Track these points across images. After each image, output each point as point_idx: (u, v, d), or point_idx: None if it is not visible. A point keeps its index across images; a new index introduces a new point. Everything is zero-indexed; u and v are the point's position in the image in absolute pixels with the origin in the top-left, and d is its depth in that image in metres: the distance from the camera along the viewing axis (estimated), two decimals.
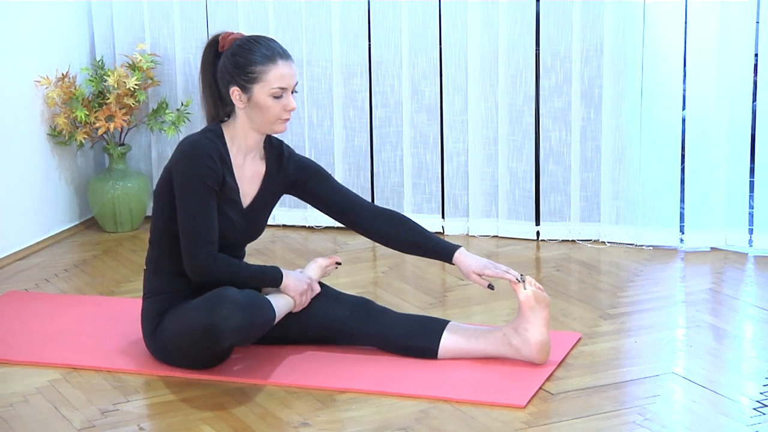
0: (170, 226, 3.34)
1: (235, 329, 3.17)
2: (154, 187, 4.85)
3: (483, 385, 3.26)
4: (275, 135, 3.42)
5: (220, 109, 3.38)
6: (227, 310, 3.16)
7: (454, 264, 3.42)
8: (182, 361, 3.35)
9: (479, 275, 3.38)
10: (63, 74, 4.66)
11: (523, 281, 3.35)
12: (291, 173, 3.46)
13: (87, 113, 4.64)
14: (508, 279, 3.36)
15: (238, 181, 3.37)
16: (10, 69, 4.48)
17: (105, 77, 4.68)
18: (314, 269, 3.51)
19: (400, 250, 3.52)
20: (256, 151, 3.40)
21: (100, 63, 4.79)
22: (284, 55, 3.30)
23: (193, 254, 3.26)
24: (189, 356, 3.33)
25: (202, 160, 3.26)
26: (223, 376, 3.35)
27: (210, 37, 3.39)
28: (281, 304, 3.36)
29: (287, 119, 3.32)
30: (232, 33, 3.35)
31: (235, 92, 3.30)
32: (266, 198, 3.44)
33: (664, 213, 4.48)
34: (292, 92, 3.31)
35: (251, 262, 3.54)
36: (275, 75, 3.27)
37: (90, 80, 4.71)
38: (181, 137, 4.85)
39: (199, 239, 3.26)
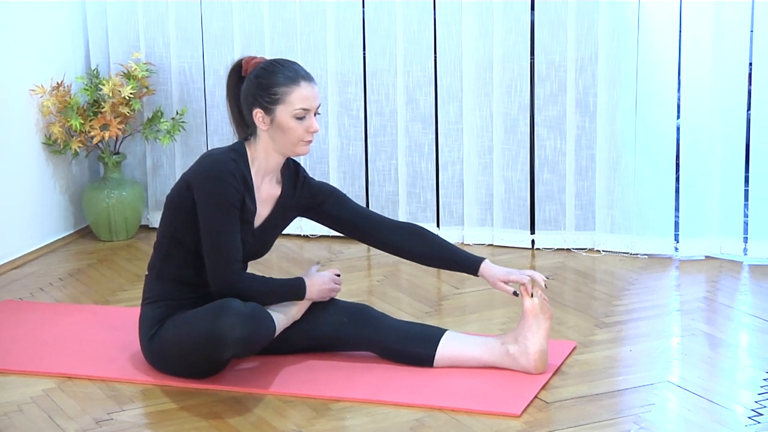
0: (181, 234, 3.35)
1: (238, 340, 3.18)
2: (149, 195, 4.91)
3: (478, 394, 3.26)
4: (296, 156, 3.42)
5: (243, 131, 3.41)
6: (231, 321, 3.17)
7: (479, 276, 3.43)
8: (179, 368, 3.35)
9: (505, 283, 3.40)
10: (58, 83, 4.66)
11: (545, 286, 3.38)
12: (305, 197, 3.48)
13: (82, 122, 4.64)
14: (536, 281, 3.36)
15: (257, 199, 3.38)
16: (5, 78, 4.48)
17: (100, 86, 4.68)
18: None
19: (422, 264, 3.54)
20: (273, 175, 3.42)
21: (95, 72, 4.79)
22: (307, 77, 3.33)
23: (222, 273, 3.28)
24: (187, 365, 3.33)
25: (227, 180, 3.28)
26: (218, 385, 3.35)
27: (233, 62, 3.42)
28: (281, 318, 3.37)
29: (310, 141, 3.34)
30: (255, 57, 3.38)
31: (258, 114, 3.31)
32: (277, 220, 3.46)
33: (659, 221, 4.49)
34: (315, 114, 3.33)
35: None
36: (298, 96, 3.29)
37: (85, 89, 4.71)
38: (176, 146, 4.86)
39: (227, 258, 3.28)
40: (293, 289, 3.40)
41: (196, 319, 3.25)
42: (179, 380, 3.36)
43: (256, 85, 3.31)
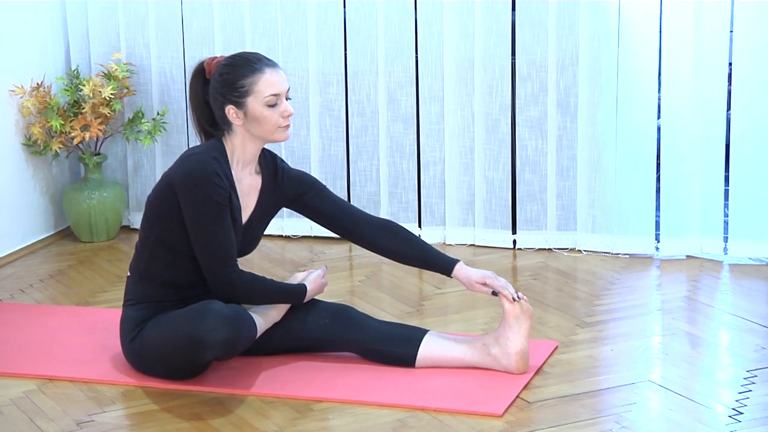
0: (167, 236, 3.33)
1: (219, 343, 3.18)
2: (130, 196, 4.90)
3: (460, 394, 3.26)
4: (276, 143, 3.42)
5: (209, 135, 3.41)
6: (212, 323, 3.17)
7: (452, 277, 3.43)
8: (160, 370, 3.35)
9: (482, 284, 3.40)
10: (38, 83, 4.64)
11: (519, 299, 3.37)
12: (287, 188, 3.48)
13: (62, 123, 4.62)
14: (505, 296, 3.37)
15: (240, 195, 3.38)
16: None
17: (80, 87, 4.67)
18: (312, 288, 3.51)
19: (398, 262, 3.55)
20: (252, 165, 3.42)
21: (75, 72, 4.78)
22: (270, 63, 3.33)
23: (221, 272, 3.29)
24: (168, 366, 3.32)
25: (213, 180, 3.27)
26: (200, 386, 3.34)
27: (195, 66, 3.41)
28: (261, 320, 3.38)
29: (287, 126, 3.34)
30: (216, 57, 3.38)
31: (230, 111, 3.31)
32: (262, 213, 3.46)
33: (640, 221, 4.50)
34: (286, 99, 3.33)
35: None
36: (265, 83, 3.28)
37: (65, 90, 4.70)
38: (157, 146, 4.85)
39: (224, 257, 3.29)
40: (294, 292, 3.42)
41: (178, 321, 3.24)
42: (160, 381, 3.35)
43: (222, 82, 3.31)
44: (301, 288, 3.44)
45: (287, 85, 3.33)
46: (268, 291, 3.38)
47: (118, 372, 3.43)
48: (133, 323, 3.37)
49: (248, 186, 3.41)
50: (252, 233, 3.45)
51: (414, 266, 3.57)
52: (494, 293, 3.41)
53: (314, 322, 3.44)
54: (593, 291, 4.15)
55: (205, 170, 3.27)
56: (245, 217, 3.41)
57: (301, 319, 3.45)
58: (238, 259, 3.44)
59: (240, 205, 3.37)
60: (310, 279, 3.48)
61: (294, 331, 3.45)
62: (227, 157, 3.35)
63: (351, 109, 4.72)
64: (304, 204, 3.50)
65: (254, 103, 3.29)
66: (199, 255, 3.30)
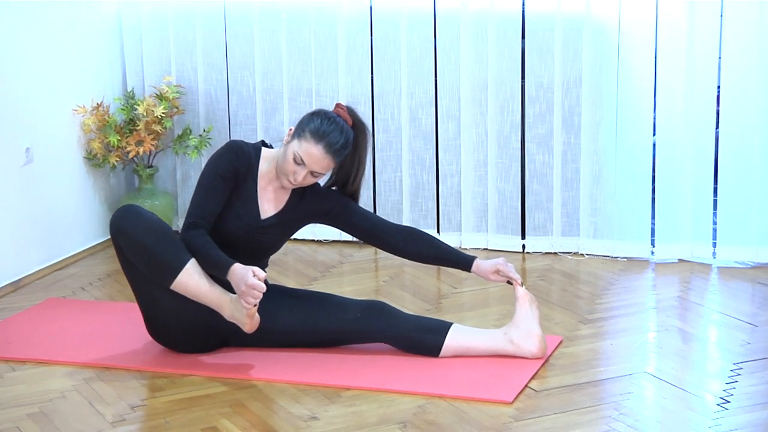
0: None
1: (116, 220, 3.31)
2: (179, 204, 4.91)
3: (474, 383, 3.26)
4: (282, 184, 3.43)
5: None
6: (127, 212, 3.32)
7: (472, 272, 3.47)
8: (157, 328, 3.45)
9: (497, 273, 3.44)
10: (98, 104, 4.66)
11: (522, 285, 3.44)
12: (316, 205, 3.49)
13: (119, 138, 4.64)
14: (515, 279, 3.41)
15: (258, 192, 3.41)
16: (51, 99, 4.49)
17: (135, 106, 4.69)
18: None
19: (421, 262, 3.57)
20: (279, 183, 3.44)
21: (131, 93, 4.80)
22: (329, 146, 3.33)
23: (183, 224, 3.36)
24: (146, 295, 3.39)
25: (227, 154, 3.38)
26: (239, 374, 3.35)
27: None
28: (208, 286, 3.28)
29: (292, 183, 3.36)
30: (343, 108, 3.42)
31: (290, 131, 3.39)
32: (285, 220, 3.46)
33: (637, 228, 4.48)
34: (312, 173, 3.34)
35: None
36: (306, 149, 3.32)
37: (122, 109, 4.72)
38: (203, 160, 4.87)
39: (190, 214, 3.34)
40: (217, 263, 3.24)
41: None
42: (205, 370, 3.36)
43: (308, 115, 3.39)
44: (227, 262, 3.23)
45: (319, 169, 3.33)
46: (198, 252, 3.27)
47: (167, 361, 3.44)
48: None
49: (273, 196, 3.45)
50: (269, 235, 3.44)
51: (436, 265, 3.58)
52: (509, 282, 3.43)
53: (346, 318, 3.44)
54: (594, 291, 4.13)
55: (233, 144, 3.40)
56: (265, 216, 3.43)
57: (332, 317, 3.44)
58: (270, 258, 3.45)
59: (256, 194, 3.40)
60: (244, 274, 3.19)
61: (327, 327, 3.44)
62: (260, 154, 3.42)
63: (377, 126, 4.72)
64: (335, 218, 3.52)
65: (294, 144, 3.35)
66: None
